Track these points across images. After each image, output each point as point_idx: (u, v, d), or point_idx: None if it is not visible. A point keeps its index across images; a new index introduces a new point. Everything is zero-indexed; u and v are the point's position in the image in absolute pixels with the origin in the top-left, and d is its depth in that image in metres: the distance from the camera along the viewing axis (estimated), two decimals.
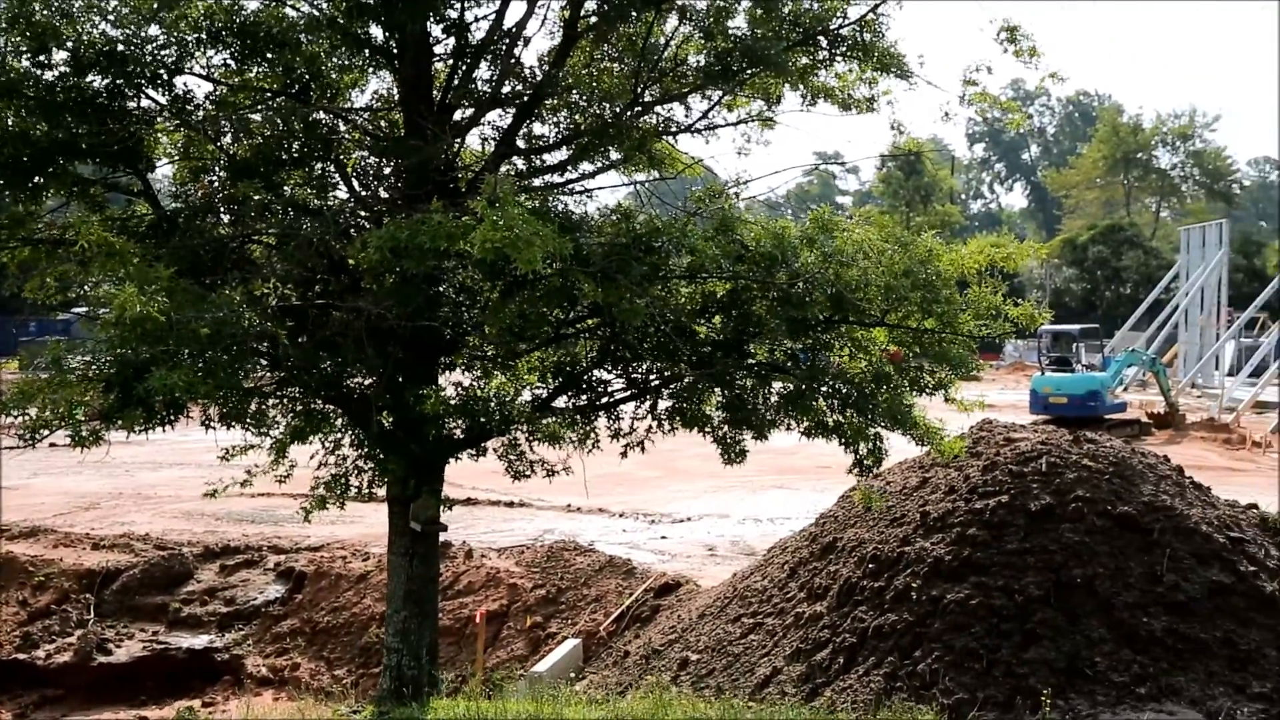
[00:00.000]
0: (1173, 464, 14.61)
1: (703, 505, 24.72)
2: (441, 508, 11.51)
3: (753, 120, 11.59)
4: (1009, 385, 56.15)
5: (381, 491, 11.24)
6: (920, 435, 10.90)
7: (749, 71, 10.45)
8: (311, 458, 11.11)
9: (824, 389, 10.93)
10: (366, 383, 10.81)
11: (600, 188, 11.45)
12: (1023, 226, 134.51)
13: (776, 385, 11.20)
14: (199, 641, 18.14)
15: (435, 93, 10.67)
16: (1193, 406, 44.35)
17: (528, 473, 11.43)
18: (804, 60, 10.72)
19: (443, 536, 13.22)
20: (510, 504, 24.40)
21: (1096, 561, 12.05)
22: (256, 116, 10.41)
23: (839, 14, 10.39)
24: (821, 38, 10.48)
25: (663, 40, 10.69)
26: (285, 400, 10.87)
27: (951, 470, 13.76)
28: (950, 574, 12.17)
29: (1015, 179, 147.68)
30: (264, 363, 10.45)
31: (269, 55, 9.93)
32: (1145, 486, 13.05)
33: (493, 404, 10.43)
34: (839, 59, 10.72)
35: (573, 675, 14.15)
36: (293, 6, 10.35)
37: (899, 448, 12.08)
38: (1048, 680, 10.98)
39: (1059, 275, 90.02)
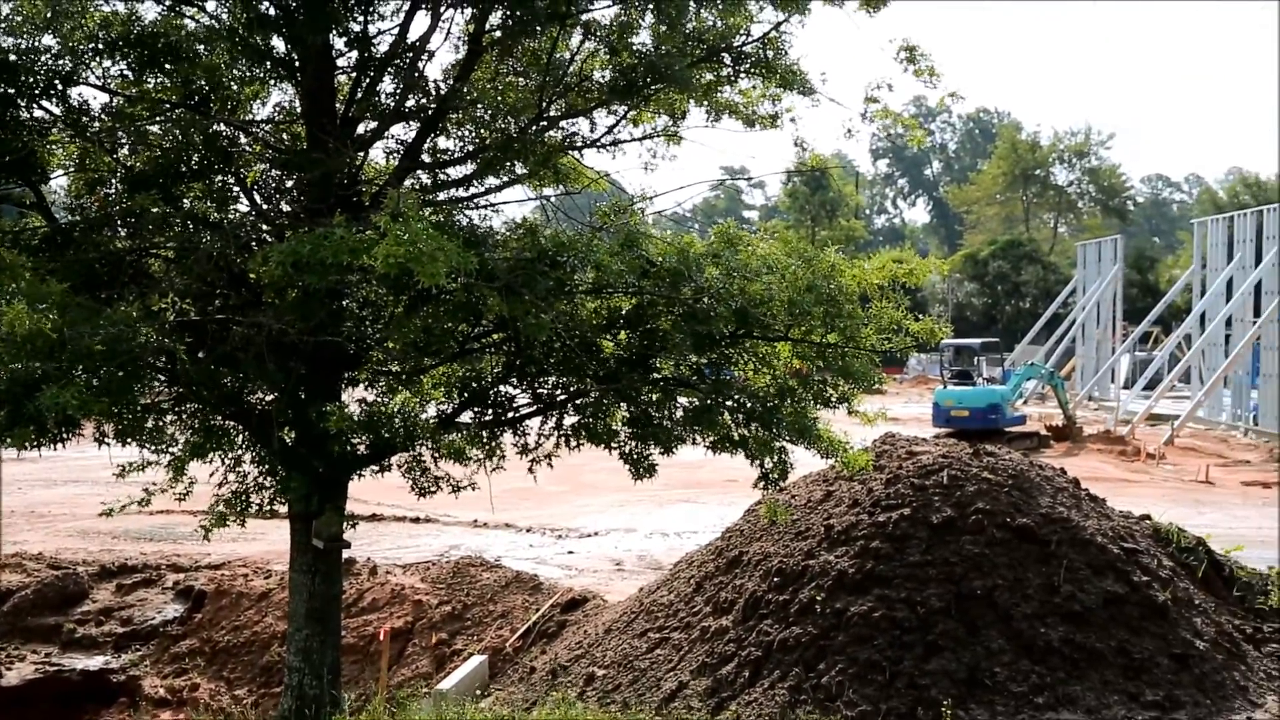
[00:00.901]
0: (1069, 476, 14.90)
1: (610, 519, 24.71)
2: (345, 524, 11.38)
3: (658, 136, 11.64)
4: (913, 399, 56.95)
5: (284, 508, 11.08)
6: (825, 448, 11.00)
7: (654, 87, 10.50)
8: (211, 475, 10.91)
9: (729, 403, 11.00)
10: (268, 398, 10.65)
11: (505, 202, 11.43)
12: (925, 241, 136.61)
13: (682, 400, 11.24)
14: (94, 663, 17.68)
15: (338, 106, 10.57)
16: (1090, 419, 45.34)
17: (432, 489, 11.35)
18: (708, 77, 10.79)
19: (347, 553, 13.08)
20: (416, 520, 24.19)
21: (996, 573, 12.24)
22: (155, 128, 10.23)
23: (742, 31, 10.48)
24: (725, 55, 10.56)
25: (568, 55, 10.70)
26: (184, 417, 10.67)
27: (855, 484, 13.89)
28: (854, 587, 12.28)
29: (918, 194, 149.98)
30: (161, 379, 10.24)
31: (167, 66, 9.76)
32: (1043, 498, 13.29)
33: (397, 420, 10.34)
34: (743, 76, 10.81)
35: (478, 692, 14.04)
36: (191, 18, 10.19)
37: (805, 461, 12.18)
38: (949, 691, 11.13)
39: (961, 290, 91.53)
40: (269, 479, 10.61)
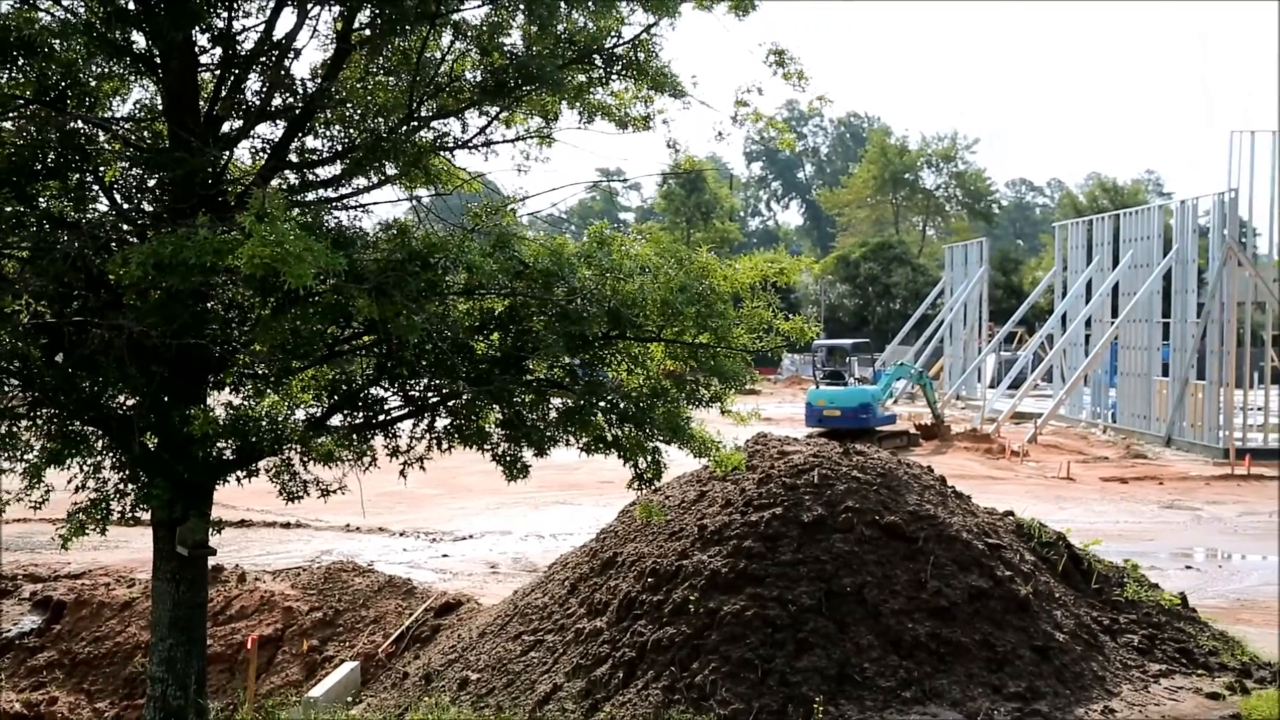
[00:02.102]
0: (936, 474, 15.22)
1: (485, 522, 24.58)
2: (211, 530, 11.12)
3: (531, 137, 11.58)
4: (786, 399, 57.66)
5: (147, 515, 10.80)
6: (698, 448, 11.06)
7: (525, 88, 10.45)
8: (69, 481, 10.58)
9: (603, 404, 10.99)
10: (129, 403, 10.37)
11: (377, 202, 11.25)
12: (799, 243, 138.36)
13: (556, 401, 11.21)
14: None
15: (202, 103, 10.31)
16: (957, 418, 46.37)
17: (301, 493, 11.15)
18: (580, 78, 10.76)
19: (215, 560, 12.81)
20: (287, 525, 23.77)
21: (865, 570, 12.45)
22: (8, 124, 9.88)
23: (613, 34, 10.48)
24: (597, 56, 10.54)
25: (438, 55, 10.59)
26: (39, 422, 10.33)
27: (729, 483, 14.02)
28: (727, 586, 12.38)
29: (791, 197, 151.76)
30: (15, 383, 9.90)
31: (20, 60, 9.43)
32: (911, 496, 13.55)
33: (264, 423, 10.15)
34: (615, 78, 10.80)
35: (350, 699, 13.85)
36: (47, 11, 9.86)
37: (679, 461, 12.25)
38: (819, 688, 11.29)
39: (833, 291, 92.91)
40: (130, 485, 10.32)
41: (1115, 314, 43.68)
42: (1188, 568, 20.24)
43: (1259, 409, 38.46)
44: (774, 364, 72.04)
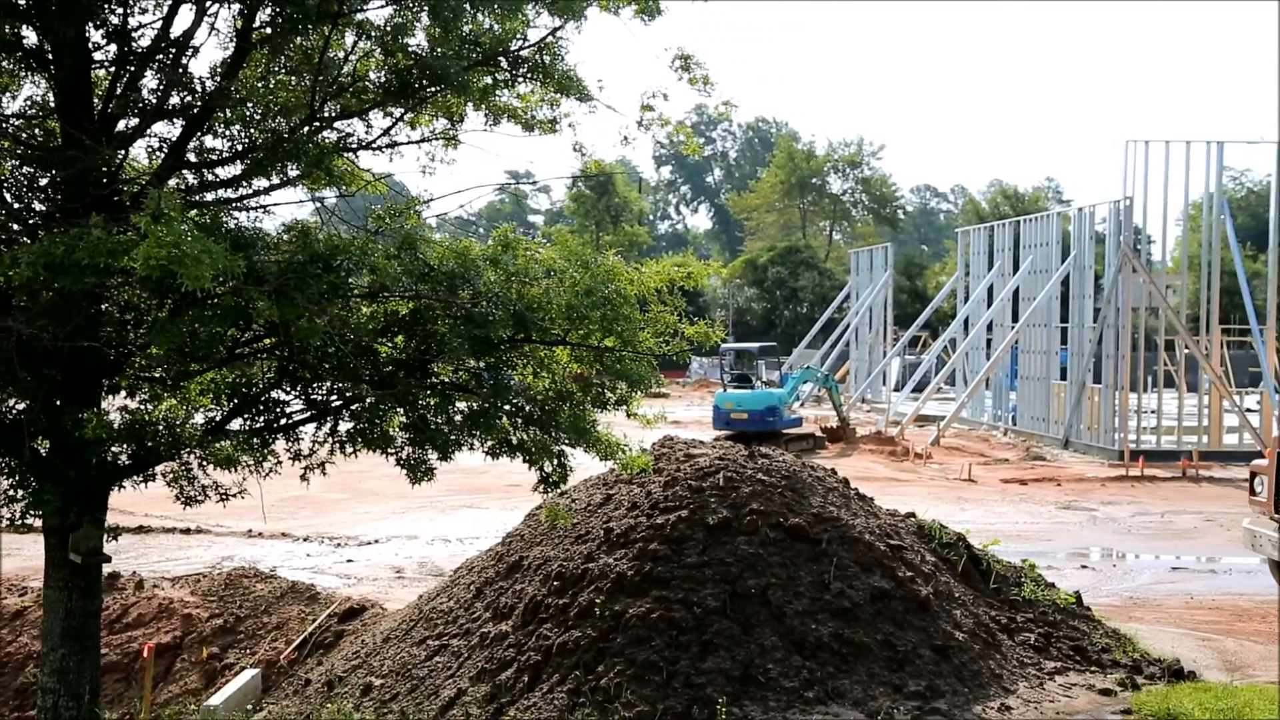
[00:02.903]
0: (840, 476, 15.39)
1: (391, 526, 24.37)
2: (106, 537, 10.89)
3: (436, 139, 11.49)
4: (695, 401, 57.96)
5: (39, 522, 10.55)
6: (604, 451, 11.08)
7: (430, 90, 10.38)
8: None
9: (508, 407, 10.97)
10: (19, 407, 10.12)
11: (278, 203, 11.09)
12: (707, 247, 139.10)
13: (461, 404, 11.16)
14: None
15: (97, 101, 10.09)
16: (862, 420, 46.92)
17: (200, 498, 10.97)
18: (486, 80, 10.71)
19: (112, 566, 12.54)
20: (187, 530, 23.37)
21: (770, 572, 12.55)
22: None
23: (519, 36, 10.44)
24: (502, 59, 10.49)
25: (342, 55, 10.48)
26: None
27: (635, 486, 14.05)
28: (633, 589, 12.40)
29: (700, 201, 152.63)
30: None
31: None
32: (814, 498, 13.68)
33: (161, 427, 9.96)
34: (521, 80, 10.77)
35: (250, 707, 13.65)
36: None
37: (586, 464, 12.26)
38: (724, 689, 11.35)
39: (741, 295, 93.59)
40: (20, 491, 10.08)
41: (1016, 318, 44.50)
42: (1083, 567, 20.67)
43: (1152, 412, 39.42)
44: (682, 367, 72.38)
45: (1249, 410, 39.22)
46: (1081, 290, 40.47)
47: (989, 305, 46.79)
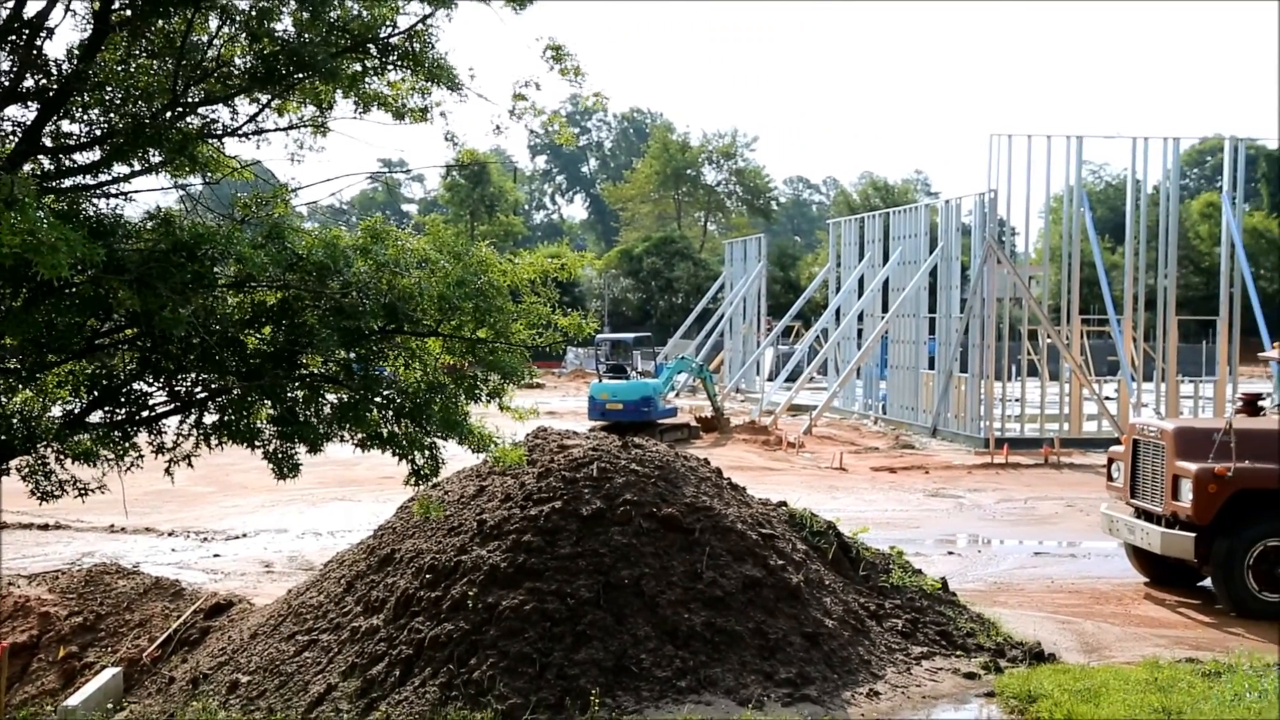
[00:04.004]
0: (713, 466, 15.51)
1: (260, 520, 23.92)
2: None
3: (305, 126, 11.29)
4: (570, 392, 57.93)
5: None
6: (476, 443, 11.01)
7: (298, 76, 10.18)
8: None
9: (379, 399, 10.85)
10: None
11: (139, 191, 10.78)
12: (583, 238, 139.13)
13: (331, 396, 11.01)
14: None
15: None
16: (737, 410, 47.34)
17: (57, 493, 10.64)
18: (355, 67, 10.54)
19: None
20: (45, 526, 22.67)
21: (643, 562, 12.60)
22: None
23: (388, 23, 10.30)
24: (371, 45, 10.35)
25: (205, 39, 10.23)
26: None
27: (508, 478, 13.99)
28: (506, 581, 12.36)
29: (576, 191, 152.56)
30: None
31: None
32: (688, 488, 13.77)
33: (16, 420, 9.66)
34: (391, 68, 10.63)
35: (110, 706, 13.29)
36: None
37: (460, 456, 12.17)
38: (597, 680, 11.38)
39: (617, 285, 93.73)
40: None
41: (886, 309, 45.30)
42: (950, 553, 21.14)
43: (1016, 400, 40.47)
44: (558, 358, 72.35)
45: (1107, 398, 40.50)
46: (949, 281, 41.36)
47: (860, 296, 47.55)
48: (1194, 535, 16.37)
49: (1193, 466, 16.34)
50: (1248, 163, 44.09)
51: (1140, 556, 18.38)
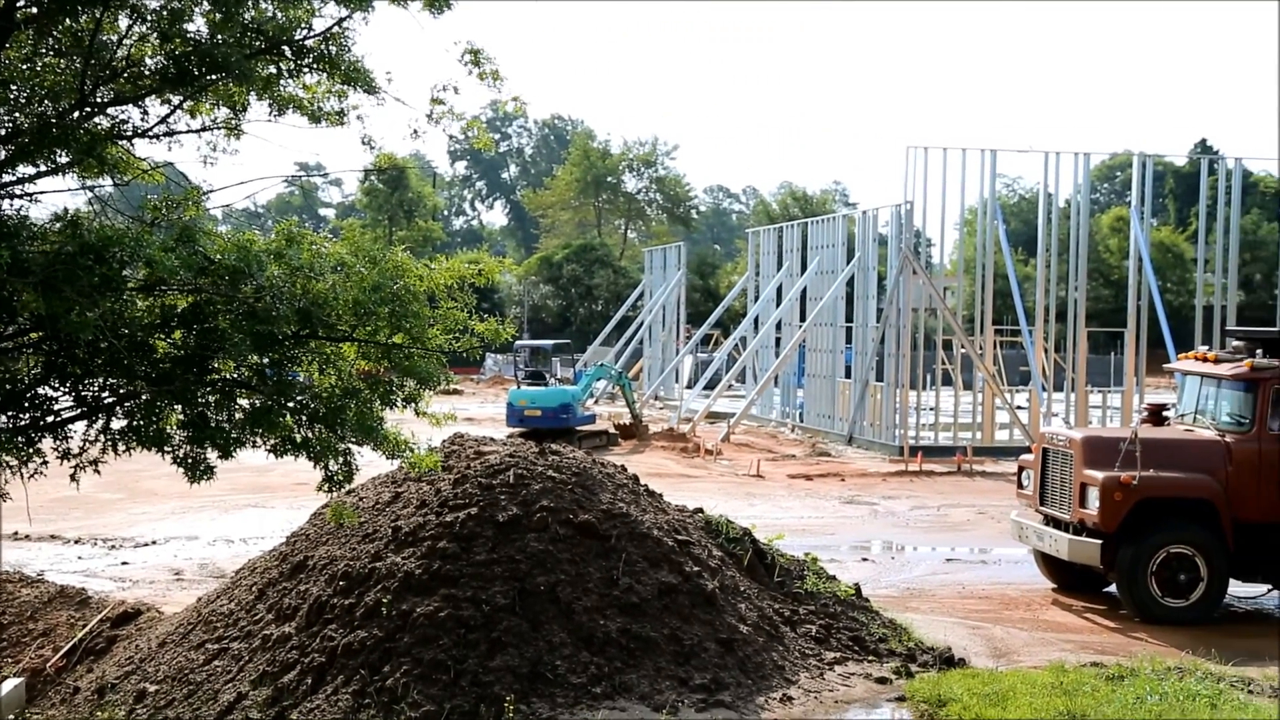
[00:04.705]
0: (630, 473, 15.54)
1: (170, 527, 23.54)
2: None
3: (218, 128, 11.17)
4: (489, 399, 57.65)
5: None
6: (391, 449, 10.95)
7: (210, 77, 10.07)
8: None
9: (292, 405, 10.74)
10: None
11: (45, 192, 10.58)
12: (503, 244, 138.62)
13: (243, 401, 10.87)
14: None
15: None
16: (655, 417, 47.45)
17: None
18: (270, 69, 10.45)
19: None
20: None
21: (559, 568, 12.59)
22: None
23: (303, 25, 10.22)
24: (286, 48, 10.27)
25: (115, 38, 10.07)
26: None
27: (424, 484, 13.92)
28: (421, 588, 12.28)
29: (496, 197, 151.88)
30: None
31: None
32: (604, 495, 13.78)
33: None
34: (306, 70, 10.55)
35: (13, 718, 13.01)
36: None
37: (376, 463, 12.07)
38: (512, 687, 11.35)
39: (536, 292, 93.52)
40: None
41: (803, 318, 45.64)
42: (864, 559, 21.36)
43: (931, 409, 40.99)
44: (476, 364, 71.97)
45: (1019, 408, 41.13)
46: (865, 291, 41.80)
47: (778, 304, 47.89)
48: (1100, 542, 16.72)
49: (1099, 475, 16.68)
50: (1155, 179, 45.11)
51: (1048, 563, 18.72)
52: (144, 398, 10.47)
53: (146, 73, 10.18)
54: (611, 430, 40.03)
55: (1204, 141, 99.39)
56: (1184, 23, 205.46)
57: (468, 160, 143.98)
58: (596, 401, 48.17)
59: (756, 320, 49.84)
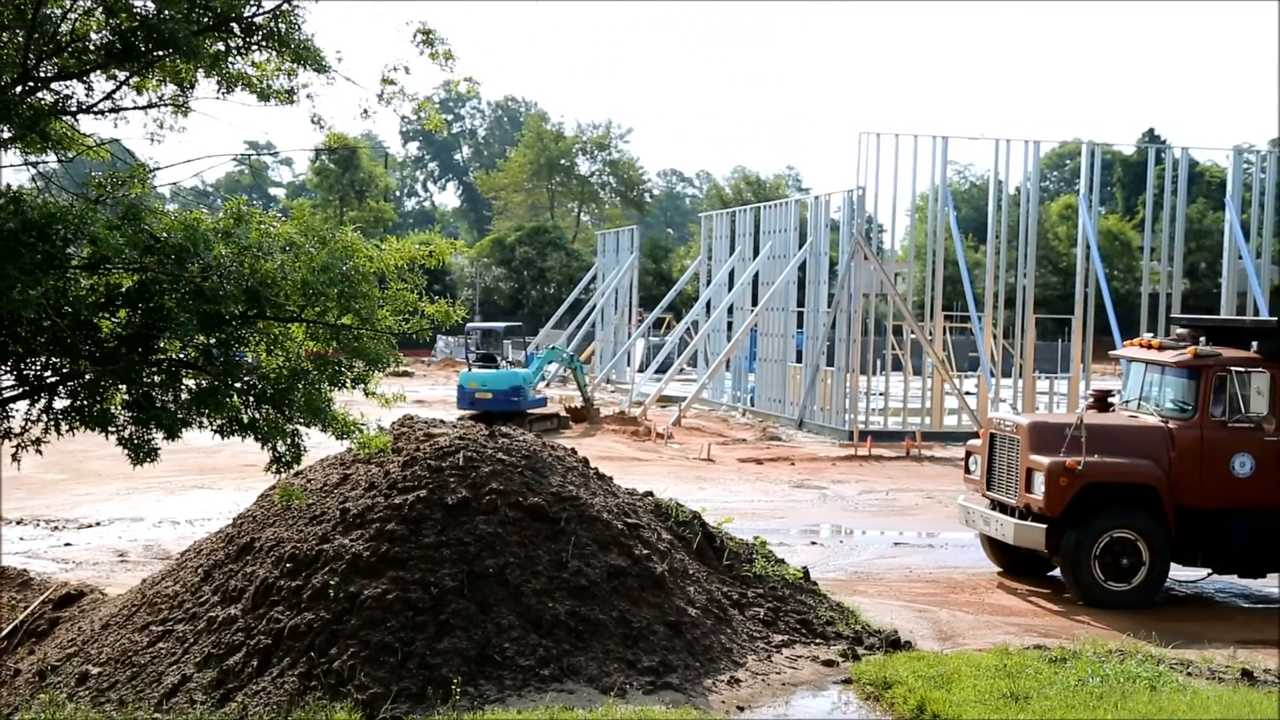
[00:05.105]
0: (580, 456, 15.54)
1: (115, 508, 23.31)
2: None
3: (165, 105, 11.04)
4: (440, 381, 57.44)
5: None
6: (340, 430, 10.90)
7: (157, 53, 9.94)
8: None
9: (239, 385, 10.67)
10: None
11: None
12: (455, 226, 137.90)
13: (190, 381, 10.78)
14: None
15: None
16: (607, 401, 47.46)
17: None
18: (219, 46, 10.34)
19: None
20: None
21: (508, 551, 12.58)
22: None
23: (253, 2, 10.12)
24: (235, 24, 10.15)
25: (59, 12, 9.92)
26: None
27: (373, 466, 13.86)
28: (369, 570, 12.24)
29: (449, 178, 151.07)
30: None
31: None
32: (554, 478, 13.78)
33: None
34: (255, 48, 10.44)
35: None
36: None
37: (325, 444, 12.00)
38: (459, 669, 11.34)
39: (489, 274, 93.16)
40: None
41: (755, 302, 45.75)
42: (813, 543, 21.49)
43: (881, 394, 41.24)
44: (428, 346, 71.68)
45: (967, 393, 41.46)
46: (817, 276, 41.95)
47: (730, 289, 47.97)
48: (1045, 527, 16.90)
49: (1045, 460, 16.86)
50: (1104, 167, 45.59)
51: (994, 547, 18.91)
52: (88, 377, 10.35)
53: (92, 48, 10.04)
54: (563, 413, 40.00)
55: (1152, 131, 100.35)
56: (1134, 13, 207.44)
57: (420, 141, 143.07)
58: (548, 384, 48.10)
59: (709, 304, 49.92)
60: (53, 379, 10.52)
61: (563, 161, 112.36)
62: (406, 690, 11.17)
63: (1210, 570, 17.73)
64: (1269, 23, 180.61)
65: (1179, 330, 18.97)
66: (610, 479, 15.49)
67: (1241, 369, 17.08)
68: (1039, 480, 16.94)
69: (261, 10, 10.21)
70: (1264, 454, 17.04)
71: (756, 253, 46.24)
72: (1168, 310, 39.49)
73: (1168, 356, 17.75)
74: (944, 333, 42.08)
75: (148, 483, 24.76)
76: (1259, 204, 41.21)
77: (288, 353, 11.02)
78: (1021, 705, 11.27)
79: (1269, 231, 41.44)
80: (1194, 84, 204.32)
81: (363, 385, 11.38)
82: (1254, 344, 17.57)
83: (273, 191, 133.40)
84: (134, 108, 10.86)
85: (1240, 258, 40.35)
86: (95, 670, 12.43)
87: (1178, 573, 17.83)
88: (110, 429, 10.44)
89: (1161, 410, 17.70)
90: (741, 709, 11.65)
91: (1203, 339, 17.68)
